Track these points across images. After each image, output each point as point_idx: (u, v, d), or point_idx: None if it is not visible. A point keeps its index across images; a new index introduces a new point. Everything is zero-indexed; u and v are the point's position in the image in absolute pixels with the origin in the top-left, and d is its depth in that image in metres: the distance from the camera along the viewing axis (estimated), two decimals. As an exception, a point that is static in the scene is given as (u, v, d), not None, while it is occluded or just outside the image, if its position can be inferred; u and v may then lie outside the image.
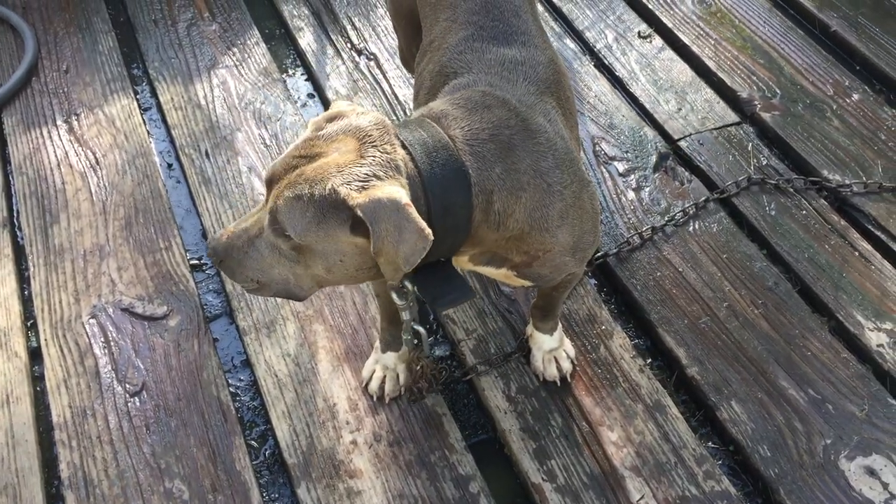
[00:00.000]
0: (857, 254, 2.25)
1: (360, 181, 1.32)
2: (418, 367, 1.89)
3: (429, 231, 1.32)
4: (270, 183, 1.40)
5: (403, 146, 1.40)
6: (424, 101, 1.78)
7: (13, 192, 2.51)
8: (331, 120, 1.43)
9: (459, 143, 1.44)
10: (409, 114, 2.21)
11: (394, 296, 1.59)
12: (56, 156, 2.58)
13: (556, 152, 1.55)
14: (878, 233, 2.30)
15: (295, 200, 1.33)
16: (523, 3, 1.83)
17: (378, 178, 1.33)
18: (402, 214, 1.30)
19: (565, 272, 1.67)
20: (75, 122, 2.69)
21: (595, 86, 2.77)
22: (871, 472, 1.82)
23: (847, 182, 2.40)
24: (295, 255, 1.40)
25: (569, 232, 1.57)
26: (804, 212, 2.35)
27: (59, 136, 2.64)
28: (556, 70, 1.74)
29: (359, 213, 1.29)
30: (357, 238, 1.34)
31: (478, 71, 1.66)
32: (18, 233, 2.41)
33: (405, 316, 1.65)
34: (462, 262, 1.59)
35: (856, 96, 2.69)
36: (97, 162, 2.55)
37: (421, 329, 1.68)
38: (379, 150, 1.36)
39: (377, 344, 1.98)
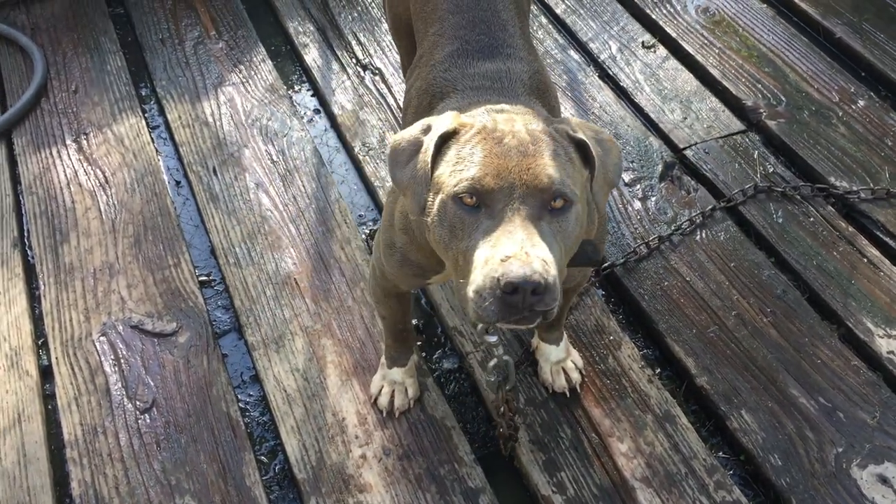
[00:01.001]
0: (865, 260, 2.24)
1: (550, 123, 1.39)
2: (503, 407, 1.79)
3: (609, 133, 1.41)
4: (500, 185, 1.27)
5: None
6: (412, 120, 1.78)
7: (24, 211, 2.53)
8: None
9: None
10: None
11: (486, 337, 1.59)
12: (66, 175, 2.60)
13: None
14: (887, 239, 2.29)
15: (553, 161, 1.29)
16: (511, 17, 1.84)
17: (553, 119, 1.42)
18: (590, 128, 1.39)
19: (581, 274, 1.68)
20: (84, 142, 2.71)
21: (599, 96, 2.77)
22: (884, 480, 1.81)
23: (854, 189, 2.40)
24: (565, 218, 1.30)
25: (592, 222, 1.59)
26: (812, 219, 2.35)
27: (69, 156, 2.66)
28: (541, 80, 1.75)
29: (580, 137, 1.35)
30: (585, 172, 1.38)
31: (462, 88, 1.67)
32: (29, 252, 2.43)
33: (499, 350, 1.64)
34: None
35: (861, 102, 2.69)
36: (106, 181, 2.57)
37: (509, 359, 1.68)
38: (527, 107, 1.48)
39: (382, 360, 1.98)
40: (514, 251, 1.21)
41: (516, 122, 1.35)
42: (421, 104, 1.77)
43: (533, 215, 1.26)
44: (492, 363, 1.69)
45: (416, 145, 1.37)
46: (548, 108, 1.71)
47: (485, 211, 1.28)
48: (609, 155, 1.38)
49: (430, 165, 1.33)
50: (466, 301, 1.26)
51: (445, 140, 1.36)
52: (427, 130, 1.38)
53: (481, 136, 1.32)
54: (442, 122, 1.37)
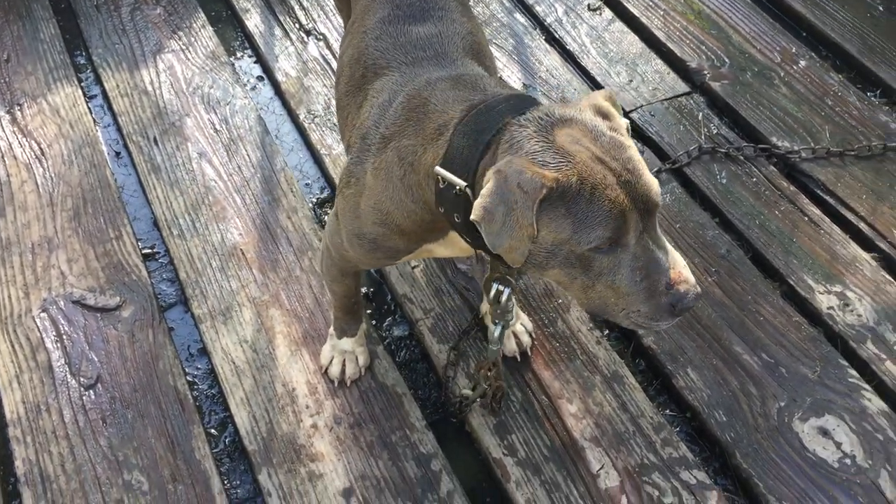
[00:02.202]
0: (806, 219, 2.28)
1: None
2: (488, 380, 1.82)
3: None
4: (628, 214, 1.25)
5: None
6: (345, 91, 1.76)
7: (-44, 186, 2.45)
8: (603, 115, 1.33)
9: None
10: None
11: (493, 292, 1.57)
12: (0, 148, 2.52)
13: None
14: (827, 197, 2.33)
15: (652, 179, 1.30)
16: None
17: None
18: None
19: None
20: (18, 113, 2.62)
21: (546, 60, 2.76)
22: (825, 433, 1.86)
23: (796, 148, 2.43)
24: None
25: None
26: (754, 179, 2.38)
27: (2, 128, 2.58)
28: (475, 41, 1.73)
29: None
30: None
31: (397, 64, 1.64)
32: (-36, 228, 2.35)
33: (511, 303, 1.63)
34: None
35: (803, 63, 2.72)
36: (42, 153, 2.50)
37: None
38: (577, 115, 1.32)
39: (331, 331, 1.97)
40: (674, 278, 1.28)
41: (602, 140, 1.26)
42: (353, 75, 1.73)
43: (656, 232, 1.30)
44: (497, 332, 1.67)
45: (508, 205, 1.24)
46: (484, 69, 1.69)
47: (620, 249, 1.27)
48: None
49: (534, 232, 1.25)
50: (618, 317, 1.33)
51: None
52: (510, 197, 1.24)
53: (590, 186, 1.22)
54: (531, 186, 1.22)
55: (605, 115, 1.33)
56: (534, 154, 1.25)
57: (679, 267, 1.29)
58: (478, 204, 1.24)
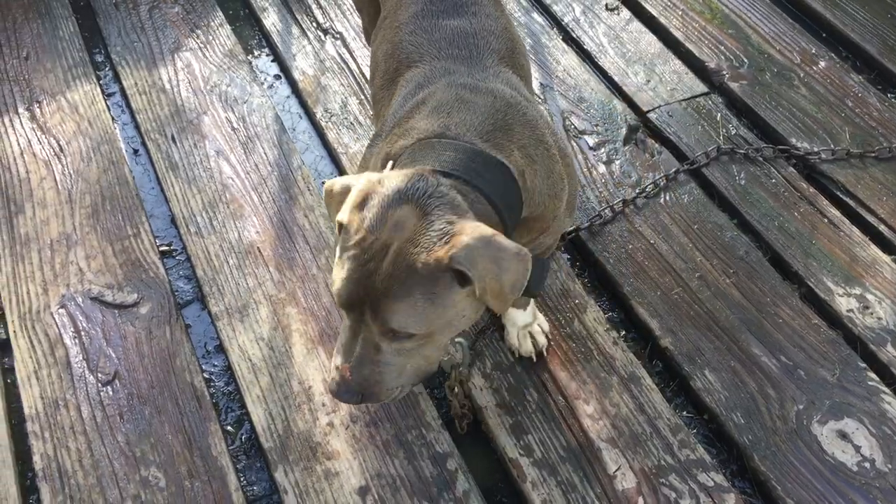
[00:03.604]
0: (826, 220, 2.26)
1: (439, 238, 1.24)
2: (456, 387, 1.85)
3: (525, 251, 1.26)
4: (352, 305, 1.29)
5: (445, 175, 1.32)
6: (380, 84, 1.77)
7: (-24, 182, 2.46)
8: (362, 206, 1.30)
9: (480, 144, 1.41)
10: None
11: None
12: (19, 144, 2.53)
13: (541, 117, 1.59)
14: (847, 199, 2.31)
15: (401, 303, 1.25)
16: None
17: (451, 224, 1.25)
18: (493, 245, 1.23)
19: (560, 234, 1.71)
20: (37, 110, 2.64)
21: (564, 60, 2.75)
22: (844, 436, 1.84)
23: (815, 149, 2.41)
24: (423, 341, 1.33)
25: (567, 191, 1.62)
26: (773, 180, 2.37)
27: (22, 125, 2.59)
28: (509, 38, 1.73)
29: (456, 266, 1.22)
30: (466, 288, 1.27)
31: (430, 58, 1.64)
32: (-17, 224, 2.37)
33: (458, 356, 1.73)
34: None
35: (822, 63, 2.70)
36: (61, 150, 2.51)
37: (463, 341, 1.72)
38: (435, 199, 1.27)
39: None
40: (339, 364, 1.35)
41: (394, 243, 1.25)
42: (388, 69, 1.74)
43: (375, 337, 1.31)
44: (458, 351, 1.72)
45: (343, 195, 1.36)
46: (517, 68, 1.69)
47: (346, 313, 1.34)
48: (506, 273, 1.25)
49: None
50: None
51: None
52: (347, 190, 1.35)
53: (356, 249, 1.28)
54: (349, 202, 1.32)
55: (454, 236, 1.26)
56: (374, 190, 1.31)
57: (354, 368, 1.33)
58: (335, 180, 1.38)
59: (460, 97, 1.49)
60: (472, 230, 1.24)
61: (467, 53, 1.64)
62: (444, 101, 1.49)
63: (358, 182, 1.31)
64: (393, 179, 1.30)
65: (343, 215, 1.30)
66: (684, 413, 1.94)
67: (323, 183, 2.43)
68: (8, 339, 2.08)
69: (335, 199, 1.35)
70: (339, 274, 1.29)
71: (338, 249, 1.31)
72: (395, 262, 1.24)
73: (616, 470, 1.81)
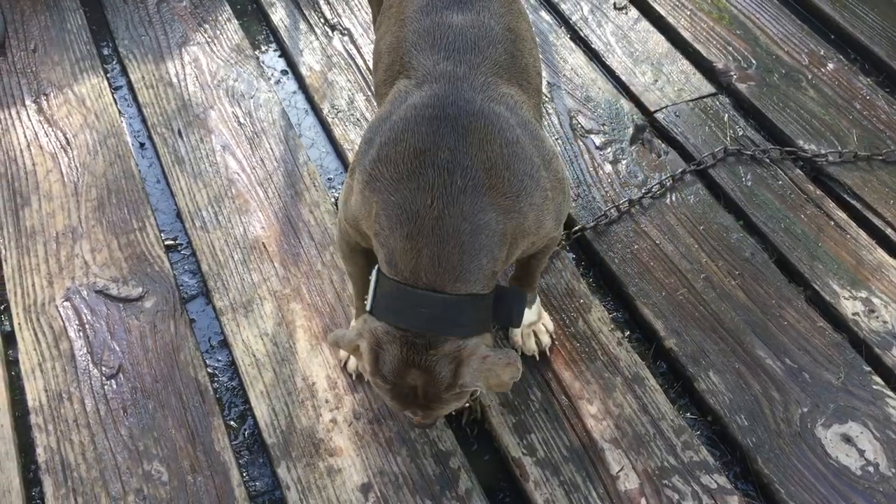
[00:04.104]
0: (832, 223, 2.26)
1: (451, 374, 1.48)
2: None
3: (514, 355, 1.49)
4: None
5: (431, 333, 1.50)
6: (382, 78, 1.75)
7: (-18, 174, 2.46)
8: (377, 362, 1.52)
9: (490, 196, 1.47)
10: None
11: None
12: (26, 136, 2.53)
13: (536, 146, 1.58)
14: (854, 202, 2.31)
15: (440, 411, 1.59)
16: None
17: (454, 360, 1.48)
18: (488, 363, 1.48)
19: (549, 238, 1.72)
20: (45, 102, 2.64)
21: (571, 58, 2.75)
22: (848, 440, 1.84)
23: (823, 152, 2.41)
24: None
25: (555, 209, 1.62)
26: (780, 182, 2.36)
27: (29, 117, 2.59)
28: (512, 40, 1.71)
29: (467, 389, 1.50)
30: None
31: (419, 69, 1.61)
32: (-11, 216, 2.37)
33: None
34: None
35: (831, 65, 2.69)
36: (68, 142, 2.51)
37: None
38: (433, 354, 1.48)
39: (353, 323, 1.97)
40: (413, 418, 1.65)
41: (418, 385, 1.50)
42: (392, 64, 1.72)
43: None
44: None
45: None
46: (518, 72, 1.67)
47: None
48: (503, 376, 1.50)
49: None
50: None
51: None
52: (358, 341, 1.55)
53: (390, 389, 1.53)
54: (361, 369, 1.56)
55: (460, 364, 1.49)
56: (380, 344, 1.50)
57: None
58: (338, 333, 1.60)
59: (438, 172, 1.47)
60: (468, 356, 1.48)
61: (464, 70, 1.60)
62: (414, 210, 1.47)
63: (361, 342, 1.52)
64: (391, 346, 1.48)
65: (369, 377, 1.54)
66: (688, 414, 1.94)
67: (329, 179, 2.44)
68: (12, 332, 2.08)
69: (346, 352, 1.58)
70: (383, 396, 1.56)
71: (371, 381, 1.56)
72: (426, 395, 1.51)
73: (619, 471, 1.80)
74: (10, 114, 2.61)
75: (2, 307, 2.16)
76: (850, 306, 2.08)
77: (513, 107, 1.61)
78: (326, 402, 1.92)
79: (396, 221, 1.46)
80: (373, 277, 1.54)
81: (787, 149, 2.42)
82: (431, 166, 1.45)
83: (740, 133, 2.49)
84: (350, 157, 2.45)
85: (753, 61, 2.71)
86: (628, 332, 2.09)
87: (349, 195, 1.62)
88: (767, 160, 2.41)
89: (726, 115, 2.55)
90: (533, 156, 1.56)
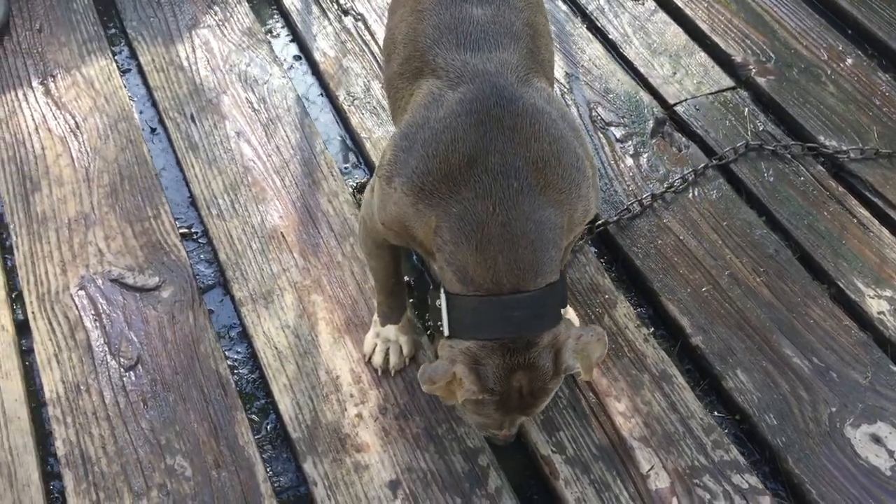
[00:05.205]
0: (855, 221, 2.25)
1: (553, 364, 1.49)
2: None
3: (601, 332, 1.52)
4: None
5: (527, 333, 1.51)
6: (398, 71, 1.71)
7: (-11, 157, 2.40)
8: (480, 374, 1.49)
9: (545, 193, 1.46)
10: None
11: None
12: (34, 119, 2.47)
13: (576, 136, 1.57)
14: (876, 199, 2.30)
15: (541, 406, 1.57)
16: None
17: (552, 348, 1.49)
18: (581, 343, 1.51)
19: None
20: (52, 84, 2.57)
21: (589, 49, 2.72)
22: (877, 440, 1.84)
23: (844, 148, 2.39)
24: None
25: (596, 197, 1.62)
26: (802, 178, 2.35)
27: (36, 99, 2.53)
28: (531, 35, 1.68)
29: (569, 374, 1.52)
30: None
31: (444, 68, 1.58)
32: (-3, 200, 2.31)
33: None
34: None
35: (849, 61, 2.68)
36: (77, 126, 2.45)
37: None
38: (534, 351, 1.48)
39: (375, 318, 1.94)
40: (504, 434, 1.67)
41: (523, 385, 1.49)
42: (409, 58, 1.67)
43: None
44: None
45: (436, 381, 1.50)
46: (540, 67, 1.65)
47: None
48: (594, 355, 1.53)
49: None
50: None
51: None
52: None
53: (495, 399, 1.50)
54: (465, 391, 1.49)
55: (559, 351, 1.49)
56: (478, 360, 1.47)
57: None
58: (426, 369, 1.48)
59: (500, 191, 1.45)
60: (564, 340, 1.49)
61: (496, 68, 1.57)
62: (481, 219, 1.45)
63: (457, 367, 1.47)
64: (492, 359, 1.46)
65: (471, 394, 1.49)
66: (715, 413, 1.93)
67: (346, 168, 2.39)
68: (26, 321, 2.03)
69: (441, 386, 1.49)
70: (479, 415, 1.57)
71: (465, 404, 1.55)
72: (532, 392, 1.50)
73: (649, 469, 1.79)
74: (16, 95, 2.54)
75: (13, 295, 2.10)
76: (875, 305, 2.07)
77: (550, 100, 1.59)
78: (351, 396, 1.89)
79: (461, 234, 1.44)
80: (442, 303, 1.51)
81: (809, 145, 2.41)
82: (485, 172, 1.43)
83: (761, 128, 2.48)
84: (368, 146, 2.41)
85: (772, 55, 2.69)
86: (653, 329, 2.07)
87: (383, 200, 1.58)
88: (789, 156, 2.40)
89: (746, 110, 2.53)
90: (576, 147, 1.54)
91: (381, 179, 1.57)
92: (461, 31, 1.63)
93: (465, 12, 1.66)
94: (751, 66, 2.66)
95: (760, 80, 2.61)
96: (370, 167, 2.39)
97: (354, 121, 2.49)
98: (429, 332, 2.00)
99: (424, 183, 1.47)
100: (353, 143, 2.48)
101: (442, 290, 1.52)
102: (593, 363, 1.53)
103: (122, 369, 1.93)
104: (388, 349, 1.92)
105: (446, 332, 1.51)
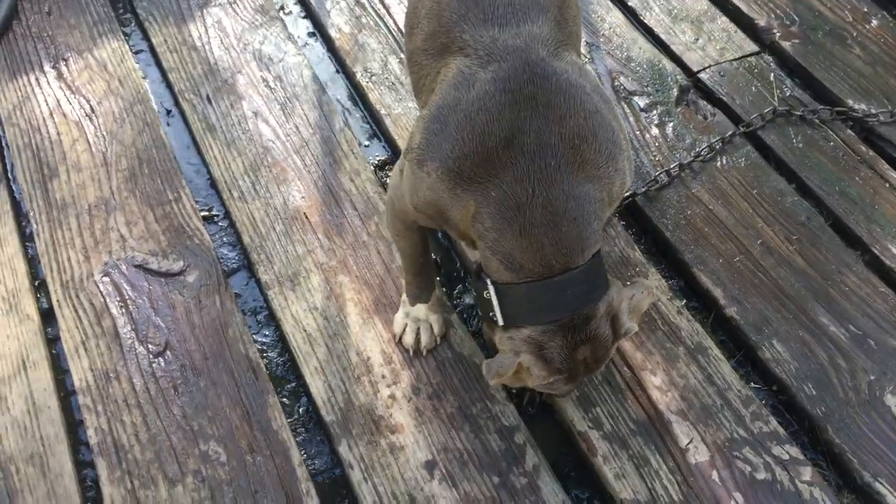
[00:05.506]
0: (887, 185, 2.20)
1: (610, 330, 1.51)
2: None
3: (649, 285, 1.56)
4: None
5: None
6: (422, 47, 1.66)
7: (5, 144, 2.37)
8: (546, 358, 1.49)
9: (584, 169, 1.45)
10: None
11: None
12: (48, 104, 2.43)
13: (610, 109, 1.55)
14: (907, 163, 2.25)
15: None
16: None
17: (607, 313, 1.51)
18: (634, 302, 1.54)
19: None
20: (64, 68, 2.53)
21: (609, 17, 2.66)
22: (918, 408, 1.81)
23: (873, 111, 2.35)
24: None
25: (630, 167, 1.59)
26: (832, 143, 2.30)
27: (49, 83, 2.49)
28: (559, 6, 1.63)
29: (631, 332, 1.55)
30: None
31: (472, 44, 1.53)
32: (14, 187, 2.28)
33: None
34: None
35: (875, 22, 2.62)
36: (92, 110, 2.42)
37: None
38: (592, 324, 1.49)
39: (403, 297, 1.91)
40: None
41: (587, 357, 1.50)
42: (434, 34, 1.62)
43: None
44: None
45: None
46: (568, 38, 1.61)
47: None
48: (643, 306, 1.57)
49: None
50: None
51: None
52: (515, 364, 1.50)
53: (564, 377, 1.51)
54: (534, 378, 1.51)
55: (615, 316, 1.51)
56: (542, 346, 1.48)
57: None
58: (490, 364, 1.48)
59: (540, 160, 1.42)
60: (618, 304, 1.51)
61: (525, 43, 1.51)
62: (523, 201, 1.42)
63: (522, 357, 1.48)
64: (555, 340, 1.46)
65: (541, 380, 1.50)
66: (752, 384, 1.90)
67: (367, 146, 2.36)
68: (51, 309, 2.01)
69: (509, 377, 1.50)
70: (556, 388, 1.56)
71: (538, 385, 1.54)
72: (597, 359, 1.51)
73: (688, 443, 1.77)
74: (29, 80, 2.50)
75: (37, 283, 2.08)
76: (910, 271, 2.03)
77: (583, 73, 1.55)
78: (383, 377, 1.87)
79: (503, 220, 1.42)
80: (491, 293, 1.49)
81: (838, 109, 2.36)
82: (522, 154, 1.41)
83: (787, 93, 2.43)
84: (388, 122, 2.37)
85: (796, 18, 2.64)
86: (685, 301, 2.04)
87: (415, 184, 1.54)
88: (817, 121, 2.35)
89: (772, 75, 2.48)
90: (611, 121, 1.51)
91: (412, 163, 1.53)
92: (487, 4, 1.58)
93: None
94: (775, 30, 2.60)
95: (785, 44, 2.56)
96: (390, 144, 2.36)
97: (373, 97, 2.45)
98: (477, 323, 1.97)
99: (462, 167, 1.44)
100: (373, 120, 2.44)
101: (489, 281, 1.49)
102: (644, 313, 1.58)
103: (150, 356, 1.91)
104: (418, 329, 1.90)
105: (500, 323, 1.49)
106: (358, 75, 2.51)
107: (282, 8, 2.78)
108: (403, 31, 1.94)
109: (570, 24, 1.66)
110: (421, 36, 1.69)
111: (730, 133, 2.30)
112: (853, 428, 1.79)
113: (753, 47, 2.58)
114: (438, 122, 1.50)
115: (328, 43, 2.66)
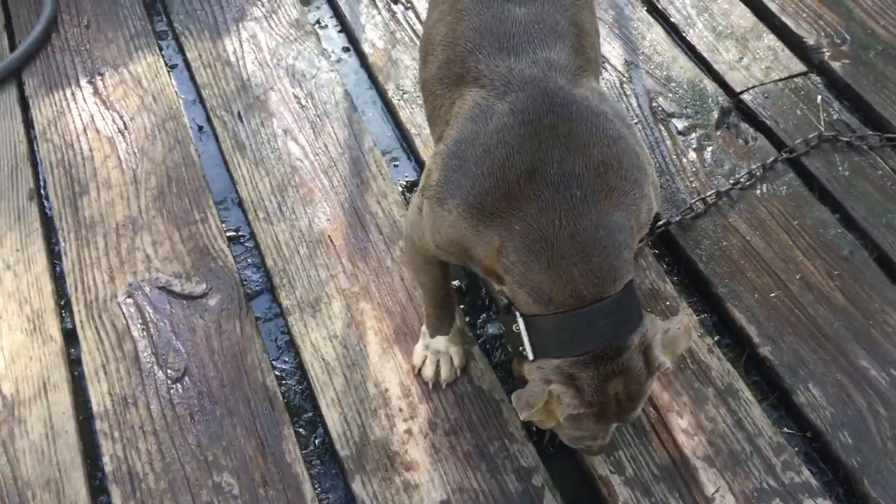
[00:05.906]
0: (938, 218, 2.09)
1: (644, 363, 1.45)
2: None
3: (686, 322, 1.49)
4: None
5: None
6: (436, 76, 1.61)
7: (38, 160, 2.39)
8: (579, 390, 1.44)
9: (610, 197, 1.40)
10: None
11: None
12: (82, 120, 2.45)
13: (633, 133, 1.50)
14: (962, 195, 2.14)
15: (638, 411, 1.52)
16: None
17: (640, 346, 1.45)
18: (669, 337, 1.48)
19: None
20: (100, 82, 2.55)
21: (649, 34, 2.58)
22: (962, 462, 1.71)
23: (926, 138, 2.23)
24: None
25: (656, 193, 1.55)
26: (880, 172, 2.19)
27: (84, 98, 2.51)
28: (577, 34, 1.57)
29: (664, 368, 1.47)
30: None
31: (488, 76, 1.48)
32: (46, 203, 2.30)
33: None
34: None
35: (932, 41, 2.49)
36: (125, 126, 2.42)
37: None
38: (625, 359, 1.43)
39: (423, 328, 1.87)
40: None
41: (619, 392, 1.44)
42: (449, 62, 1.57)
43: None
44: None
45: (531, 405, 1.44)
46: (586, 64, 1.55)
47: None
48: (679, 348, 1.49)
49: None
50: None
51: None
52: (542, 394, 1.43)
53: (594, 411, 1.44)
54: (562, 410, 1.45)
55: (648, 348, 1.44)
56: (572, 376, 1.42)
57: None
58: (520, 395, 1.43)
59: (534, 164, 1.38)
60: (651, 337, 1.44)
61: (543, 72, 1.46)
62: (547, 233, 1.38)
63: (553, 386, 1.42)
64: (586, 372, 1.41)
65: (573, 409, 1.44)
66: (784, 429, 1.82)
67: (396, 166, 2.32)
68: (74, 330, 2.01)
69: (539, 409, 1.43)
70: (586, 427, 1.49)
71: (563, 422, 1.48)
72: (629, 396, 1.45)
73: (714, 492, 1.69)
74: (65, 94, 2.52)
75: (62, 303, 2.09)
76: (960, 312, 1.93)
77: (603, 98, 1.50)
78: (400, 410, 1.83)
79: (529, 253, 1.38)
80: (521, 327, 1.45)
81: (888, 135, 2.25)
82: (545, 185, 1.36)
83: (834, 117, 2.32)
84: (418, 142, 2.33)
85: (847, 36, 2.52)
86: (717, 337, 1.96)
87: (437, 222, 1.49)
88: (865, 147, 2.24)
89: (819, 97, 2.38)
90: (634, 145, 1.47)
91: (431, 201, 1.48)
92: (503, 32, 1.53)
93: (507, 12, 1.55)
94: (824, 49, 2.49)
95: (835, 64, 2.45)
96: (420, 164, 2.32)
97: (404, 116, 2.41)
98: (507, 358, 1.92)
99: (483, 203, 1.39)
100: (403, 139, 2.40)
101: (518, 314, 1.45)
102: (678, 356, 1.49)
103: (169, 381, 1.90)
104: (438, 361, 1.86)
105: (531, 356, 1.45)
106: (390, 93, 2.47)
107: (317, 22, 2.76)
108: (419, 56, 1.90)
109: (588, 50, 1.60)
110: (435, 64, 1.64)
111: (771, 159, 2.21)
112: (891, 480, 1.69)
113: (801, 67, 2.47)
114: (457, 158, 1.45)
115: (361, 58, 2.63)
